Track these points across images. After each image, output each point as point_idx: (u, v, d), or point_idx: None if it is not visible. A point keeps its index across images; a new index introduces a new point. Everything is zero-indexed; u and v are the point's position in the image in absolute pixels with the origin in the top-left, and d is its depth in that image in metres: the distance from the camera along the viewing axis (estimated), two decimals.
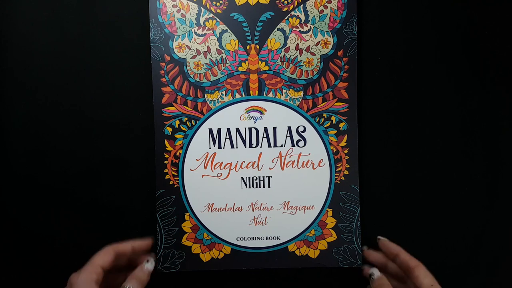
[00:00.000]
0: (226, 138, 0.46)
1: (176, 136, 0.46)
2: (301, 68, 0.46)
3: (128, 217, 0.48)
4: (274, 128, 0.46)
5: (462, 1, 0.47)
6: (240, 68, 0.46)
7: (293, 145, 0.46)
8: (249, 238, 0.47)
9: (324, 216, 0.47)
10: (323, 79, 0.46)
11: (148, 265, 0.43)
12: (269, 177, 0.47)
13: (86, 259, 0.47)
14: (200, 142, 0.46)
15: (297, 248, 0.47)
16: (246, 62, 0.46)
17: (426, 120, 0.48)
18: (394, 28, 0.47)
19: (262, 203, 0.47)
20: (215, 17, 0.45)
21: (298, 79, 0.46)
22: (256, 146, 0.46)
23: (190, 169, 0.46)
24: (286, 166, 0.47)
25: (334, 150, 0.46)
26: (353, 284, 0.47)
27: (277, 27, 0.45)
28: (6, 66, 0.47)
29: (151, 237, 0.45)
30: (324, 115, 0.46)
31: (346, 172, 0.46)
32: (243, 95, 0.46)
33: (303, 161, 0.46)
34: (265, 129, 0.46)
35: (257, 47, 0.46)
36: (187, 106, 0.46)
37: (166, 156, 0.46)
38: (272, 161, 0.47)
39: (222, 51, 0.46)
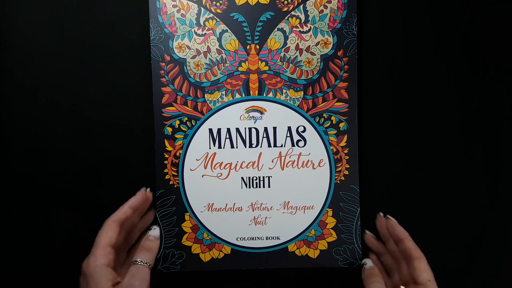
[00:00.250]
0: (226, 138, 0.46)
1: (176, 136, 0.46)
2: (301, 68, 0.46)
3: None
4: (274, 128, 0.46)
5: (462, 1, 0.47)
6: (240, 68, 0.46)
7: (293, 145, 0.46)
8: (249, 238, 0.47)
9: (324, 216, 0.47)
10: (323, 79, 0.46)
11: (153, 232, 0.43)
12: (269, 177, 0.47)
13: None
14: (200, 142, 0.46)
15: (297, 248, 0.47)
16: (246, 62, 0.46)
17: (426, 120, 0.48)
18: (394, 28, 0.47)
19: (262, 203, 0.47)
20: (215, 17, 0.45)
21: (298, 79, 0.46)
22: (256, 146, 0.46)
23: (190, 169, 0.46)
24: (286, 166, 0.47)
25: (334, 150, 0.46)
26: (353, 284, 0.47)
27: (277, 27, 0.45)
28: (6, 66, 0.47)
29: (144, 188, 0.45)
30: (324, 115, 0.46)
31: (346, 172, 0.46)
32: (243, 95, 0.46)
33: (303, 161, 0.46)
34: (265, 129, 0.46)
35: (257, 47, 0.46)
36: (187, 106, 0.46)
37: (166, 156, 0.46)
38: (272, 161, 0.47)
39: (222, 51, 0.46)
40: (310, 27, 0.46)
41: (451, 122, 0.48)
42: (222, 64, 0.46)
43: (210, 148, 0.46)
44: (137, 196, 0.43)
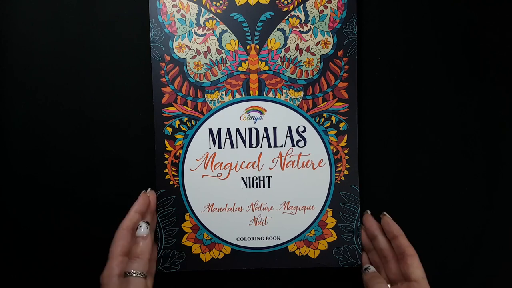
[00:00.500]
0: (226, 138, 0.46)
1: (176, 136, 0.46)
2: (301, 68, 0.46)
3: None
4: (274, 128, 0.46)
5: (462, 1, 0.47)
6: (240, 68, 0.46)
7: (293, 145, 0.46)
8: (249, 238, 0.47)
9: (324, 216, 0.47)
10: (323, 79, 0.46)
11: (139, 232, 0.42)
12: (269, 177, 0.47)
13: (86, 259, 0.47)
14: (200, 142, 0.46)
15: (297, 248, 0.47)
16: (246, 62, 0.46)
17: (426, 120, 0.48)
18: (394, 28, 0.47)
19: (262, 203, 0.47)
20: (215, 17, 0.45)
21: (298, 79, 0.46)
22: (256, 146, 0.46)
23: (190, 169, 0.46)
24: (286, 166, 0.47)
25: (334, 150, 0.46)
26: (353, 284, 0.47)
27: (277, 27, 0.45)
28: (6, 66, 0.47)
29: (144, 191, 0.45)
30: (324, 115, 0.46)
31: (346, 172, 0.46)
32: (243, 95, 0.46)
33: (303, 161, 0.46)
34: (265, 129, 0.46)
35: (257, 47, 0.46)
36: (187, 106, 0.46)
37: (166, 156, 0.46)
38: (272, 161, 0.47)
39: (222, 51, 0.46)
40: (310, 27, 0.46)
41: (451, 122, 0.48)
42: (222, 64, 0.46)
43: (210, 148, 0.46)
44: (140, 200, 0.43)
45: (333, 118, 0.46)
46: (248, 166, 0.46)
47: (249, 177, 0.46)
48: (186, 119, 0.46)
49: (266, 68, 0.46)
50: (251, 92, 0.46)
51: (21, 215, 0.48)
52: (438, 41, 0.47)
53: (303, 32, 0.46)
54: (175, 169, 0.46)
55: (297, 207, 0.47)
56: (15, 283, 0.48)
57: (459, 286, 0.49)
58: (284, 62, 0.46)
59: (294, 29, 0.45)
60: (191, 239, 0.46)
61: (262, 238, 0.47)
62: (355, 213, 0.46)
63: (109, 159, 0.48)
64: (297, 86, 0.46)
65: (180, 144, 0.46)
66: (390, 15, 0.47)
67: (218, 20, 0.45)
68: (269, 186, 0.47)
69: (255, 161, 0.46)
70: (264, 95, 0.46)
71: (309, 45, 0.46)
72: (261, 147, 0.46)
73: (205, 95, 0.46)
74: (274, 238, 0.47)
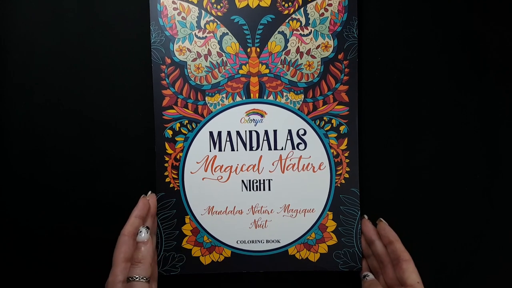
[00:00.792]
0: (226, 141, 0.46)
1: (177, 139, 0.46)
2: (302, 71, 0.46)
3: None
4: (275, 131, 0.46)
5: (463, 1, 0.47)
6: (240, 71, 0.46)
7: (293, 148, 0.46)
8: (249, 241, 0.46)
9: (325, 219, 0.46)
10: (323, 82, 0.46)
11: (140, 237, 0.42)
12: (269, 180, 0.47)
13: (85, 259, 0.48)
14: (200, 145, 0.46)
15: (297, 252, 0.46)
16: (247, 65, 0.46)
17: (426, 124, 0.48)
18: (394, 31, 0.47)
19: (262, 206, 0.46)
20: (215, 20, 0.45)
21: (299, 82, 0.46)
22: (257, 149, 0.46)
23: (191, 172, 0.46)
24: (287, 169, 0.46)
25: (335, 153, 0.46)
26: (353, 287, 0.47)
27: (278, 30, 0.45)
28: (6, 66, 0.47)
29: (143, 195, 0.45)
30: (324, 118, 0.46)
31: (347, 175, 0.46)
32: (244, 98, 0.46)
33: (304, 164, 0.46)
34: (266, 132, 0.46)
35: (258, 50, 0.46)
36: (188, 109, 0.46)
37: (167, 159, 0.46)
38: (273, 164, 0.46)
39: (223, 54, 0.46)
40: (311, 30, 0.46)
41: (451, 122, 0.47)
42: (222, 67, 0.46)
43: (210, 151, 0.46)
44: (139, 205, 0.43)
45: (333, 121, 0.46)
46: (249, 169, 0.46)
47: (249, 180, 0.46)
48: (187, 121, 0.46)
49: (267, 71, 0.46)
50: (252, 95, 0.46)
51: (21, 215, 0.48)
52: (438, 42, 0.47)
53: (304, 35, 0.46)
54: (176, 172, 0.46)
55: (297, 210, 0.47)
56: (15, 283, 0.48)
57: (459, 286, 0.49)
58: (285, 65, 0.46)
59: (294, 32, 0.45)
60: (191, 242, 0.46)
61: (262, 241, 0.46)
62: (355, 216, 0.46)
63: (109, 159, 0.48)
64: (298, 89, 0.46)
65: (180, 147, 0.46)
66: (390, 16, 0.47)
67: (218, 23, 0.45)
68: (269, 189, 0.46)
69: (255, 164, 0.46)
70: (265, 98, 0.46)
71: (310, 48, 0.46)
72: (261, 150, 0.46)
73: (206, 98, 0.46)
74: (274, 241, 0.47)
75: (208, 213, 0.46)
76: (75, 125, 0.47)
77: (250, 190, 0.46)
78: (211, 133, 0.46)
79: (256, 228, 0.47)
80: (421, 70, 0.47)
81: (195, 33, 0.46)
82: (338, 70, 0.46)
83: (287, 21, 0.45)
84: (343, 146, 0.46)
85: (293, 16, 0.45)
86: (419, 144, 0.48)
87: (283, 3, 0.45)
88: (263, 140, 0.46)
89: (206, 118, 0.46)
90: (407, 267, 0.42)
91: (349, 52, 0.46)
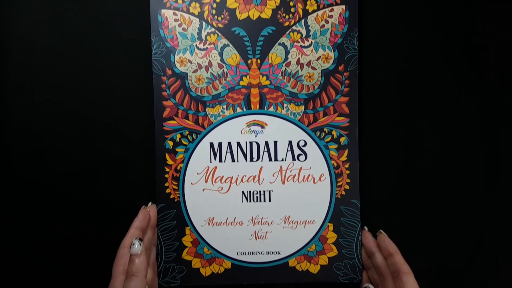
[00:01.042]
0: (227, 152, 0.46)
1: (177, 150, 0.46)
2: (302, 83, 0.46)
3: (128, 218, 0.47)
4: (275, 142, 0.46)
5: (463, 1, 0.47)
6: (241, 82, 0.46)
7: (294, 159, 0.46)
8: (249, 253, 0.46)
9: (325, 231, 0.46)
10: (324, 93, 0.46)
11: (132, 250, 0.41)
12: (269, 191, 0.46)
13: (85, 259, 0.48)
14: (201, 156, 0.46)
15: (297, 263, 0.46)
16: (247, 76, 0.46)
17: (426, 124, 0.47)
18: (394, 31, 0.47)
19: (262, 218, 0.46)
20: (216, 31, 0.45)
21: (299, 93, 0.46)
22: (257, 160, 0.46)
23: (191, 183, 0.46)
24: (287, 180, 0.46)
25: (335, 164, 0.46)
26: None
27: (278, 41, 0.46)
28: (6, 66, 0.47)
29: (144, 206, 0.45)
30: (325, 129, 0.46)
31: (347, 187, 0.46)
32: (244, 109, 0.46)
33: (304, 176, 0.46)
34: (266, 143, 0.46)
35: (258, 61, 0.46)
36: (188, 120, 0.46)
37: (167, 170, 0.46)
38: (273, 175, 0.46)
39: (224, 65, 0.46)
40: (311, 41, 0.46)
41: (451, 123, 0.47)
42: (223, 78, 0.46)
43: (211, 162, 0.46)
44: (139, 216, 0.43)
45: (334, 132, 0.46)
46: (249, 180, 0.46)
47: (250, 191, 0.46)
48: (187, 132, 0.46)
49: (267, 82, 0.46)
50: (252, 106, 0.46)
51: (21, 215, 0.48)
52: (438, 41, 0.47)
53: (304, 47, 0.46)
54: (176, 183, 0.46)
55: (297, 221, 0.46)
56: (15, 283, 0.48)
57: (459, 286, 0.48)
58: (285, 77, 0.46)
59: (295, 43, 0.46)
60: (191, 253, 0.46)
61: (262, 253, 0.46)
62: (355, 228, 0.46)
63: (109, 159, 0.48)
64: (298, 101, 0.46)
65: (181, 158, 0.46)
66: (390, 16, 0.47)
67: (219, 34, 0.46)
68: (269, 200, 0.46)
69: (255, 175, 0.46)
70: (265, 109, 0.46)
71: (310, 60, 0.46)
72: (261, 161, 0.46)
73: (206, 109, 0.46)
74: (275, 252, 0.46)
75: (208, 224, 0.46)
76: (75, 125, 0.47)
77: (250, 201, 0.46)
78: (211, 144, 0.46)
79: (256, 239, 0.46)
80: (421, 70, 0.47)
81: (196, 45, 0.46)
82: (338, 81, 0.46)
83: (287, 32, 0.46)
84: (344, 158, 0.46)
85: (294, 27, 0.45)
86: (419, 144, 0.48)
87: (284, 14, 0.45)
88: (264, 151, 0.46)
89: (207, 129, 0.46)
90: (407, 279, 0.41)
91: (349, 63, 0.46)
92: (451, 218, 0.48)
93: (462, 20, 0.47)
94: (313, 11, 0.45)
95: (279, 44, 0.46)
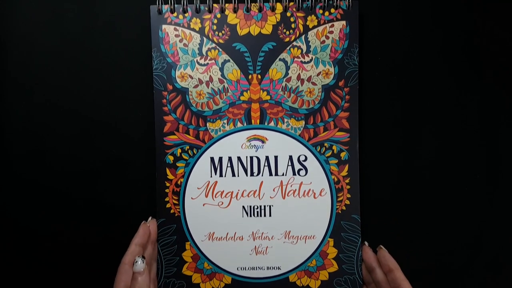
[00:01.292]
0: (227, 166, 0.46)
1: (178, 164, 0.46)
2: (303, 98, 0.46)
3: (128, 218, 0.48)
4: (276, 157, 0.46)
5: (463, 1, 0.47)
6: (241, 98, 0.46)
7: (294, 174, 0.46)
8: (249, 268, 0.46)
9: (326, 246, 0.46)
10: (324, 108, 0.46)
11: (135, 268, 0.41)
12: (270, 206, 0.46)
13: (85, 259, 0.48)
14: (201, 170, 0.46)
15: (298, 279, 0.46)
16: (248, 91, 0.46)
17: (426, 124, 0.47)
18: (394, 30, 0.47)
19: (263, 233, 0.46)
20: (217, 47, 0.46)
21: (300, 108, 0.46)
22: (258, 174, 0.46)
23: (191, 198, 0.46)
24: (287, 195, 0.46)
25: (336, 179, 0.46)
26: None
27: (279, 57, 0.46)
28: (6, 67, 0.47)
29: (144, 222, 0.45)
30: (325, 144, 0.46)
31: (348, 202, 0.46)
32: (245, 124, 0.46)
33: (304, 190, 0.46)
34: (267, 158, 0.46)
35: (259, 77, 0.46)
36: (189, 135, 0.46)
37: (167, 184, 0.46)
38: (273, 190, 0.46)
39: (224, 80, 0.46)
40: (312, 57, 0.46)
41: (451, 123, 0.48)
42: (224, 93, 0.46)
43: (211, 176, 0.46)
44: (140, 232, 0.43)
45: (334, 147, 0.46)
46: (249, 195, 0.46)
47: (250, 206, 0.46)
48: (188, 147, 0.46)
49: (268, 97, 0.46)
50: (253, 121, 0.46)
51: (21, 215, 0.48)
52: (438, 41, 0.47)
53: (305, 63, 0.46)
54: (176, 198, 0.46)
55: (298, 236, 0.46)
56: (15, 283, 0.48)
57: (459, 286, 0.48)
58: (286, 92, 0.46)
59: (295, 59, 0.46)
60: (191, 269, 0.46)
61: (262, 268, 0.46)
62: (356, 243, 0.46)
63: (109, 159, 0.48)
64: (299, 116, 0.46)
65: (181, 173, 0.46)
66: (390, 16, 0.47)
67: (220, 50, 0.46)
68: (270, 215, 0.46)
69: (256, 190, 0.46)
70: (266, 124, 0.46)
71: (311, 75, 0.46)
72: (262, 175, 0.46)
73: (207, 124, 0.46)
74: (275, 268, 0.46)
75: (209, 239, 0.46)
76: (75, 125, 0.48)
77: (250, 216, 0.46)
78: (212, 159, 0.46)
79: (256, 254, 0.46)
80: (421, 70, 0.47)
81: (196, 60, 0.46)
82: (338, 97, 0.46)
83: (288, 48, 0.46)
84: (344, 173, 0.46)
85: (294, 43, 0.46)
86: (419, 144, 0.48)
87: (284, 30, 0.46)
88: (264, 166, 0.46)
89: (207, 143, 0.46)
90: None
91: (349, 79, 0.46)
92: (451, 218, 0.48)
93: (462, 20, 0.47)
94: (314, 27, 0.46)
95: (280, 59, 0.46)
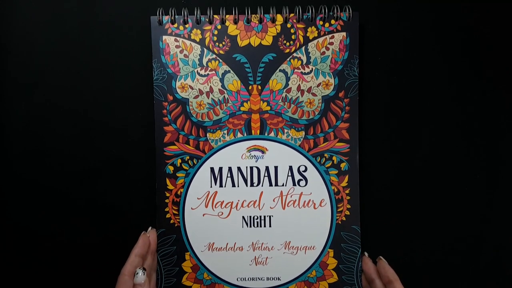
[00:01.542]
0: (227, 177, 0.46)
1: (178, 174, 0.46)
2: (303, 109, 0.46)
3: (128, 218, 0.48)
4: (276, 167, 0.46)
5: (463, 2, 0.47)
6: (242, 108, 0.46)
7: (294, 184, 0.46)
8: (249, 279, 0.46)
9: (325, 256, 0.46)
10: (324, 119, 0.46)
11: (136, 280, 0.41)
12: (270, 216, 0.46)
13: (85, 259, 0.48)
14: (201, 180, 0.46)
15: None
16: (248, 102, 0.46)
17: (426, 124, 0.48)
18: (394, 30, 0.47)
19: (263, 243, 0.46)
20: (217, 58, 0.46)
21: (300, 119, 0.46)
22: (258, 185, 0.46)
23: (191, 208, 0.46)
24: (287, 206, 0.46)
25: (336, 190, 0.46)
26: None
27: (279, 68, 0.46)
28: (6, 67, 0.47)
29: (144, 232, 0.45)
30: (325, 155, 0.46)
31: (348, 213, 0.46)
32: (245, 134, 0.46)
33: (304, 201, 0.46)
34: (267, 168, 0.46)
35: (259, 87, 0.46)
36: (189, 145, 0.46)
37: (167, 194, 0.46)
38: (273, 200, 0.46)
39: (225, 91, 0.46)
40: (312, 68, 0.46)
41: (451, 123, 0.48)
42: (224, 104, 0.46)
43: (211, 186, 0.46)
44: (139, 243, 0.43)
45: (334, 158, 0.46)
46: (249, 205, 0.46)
47: (250, 216, 0.46)
48: (188, 157, 0.46)
49: (268, 108, 0.46)
50: (253, 131, 0.46)
51: (21, 215, 0.48)
52: (438, 41, 0.47)
53: (305, 74, 0.46)
54: (176, 208, 0.46)
55: (298, 247, 0.46)
56: (15, 283, 0.48)
57: (459, 286, 0.48)
58: (286, 103, 0.46)
59: (295, 70, 0.46)
60: (191, 279, 0.46)
61: (262, 279, 0.46)
62: (356, 254, 0.46)
63: (109, 159, 0.48)
64: (299, 126, 0.46)
65: (181, 183, 0.46)
66: (390, 17, 0.47)
67: (220, 61, 0.46)
68: (270, 226, 0.46)
69: (256, 200, 0.46)
70: (266, 134, 0.46)
71: (311, 86, 0.46)
72: (262, 186, 0.46)
73: (207, 134, 0.46)
74: (275, 278, 0.46)
75: (209, 250, 0.46)
76: (75, 125, 0.48)
77: (250, 226, 0.46)
78: (212, 169, 0.46)
79: (256, 265, 0.46)
80: (422, 81, 0.47)
81: (197, 71, 0.46)
82: (338, 108, 0.46)
83: (288, 59, 0.46)
84: (344, 183, 0.46)
85: (294, 54, 0.46)
86: (419, 144, 0.48)
87: (285, 41, 0.46)
88: (264, 176, 0.46)
89: (208, 154, 0.46)
90: None
91: (349, 90, 0.46)
92: (451, 218, 0.48)
93: (462, 20, 0.47)
94: (314, 38, 0.46)
95: (280, 70, 0.46)
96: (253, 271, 0.46)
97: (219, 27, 0.46)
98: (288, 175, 0.46)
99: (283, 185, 0.46)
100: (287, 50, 0.46)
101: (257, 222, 0.46)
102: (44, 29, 0.47)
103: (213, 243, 0.46)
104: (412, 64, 0.47)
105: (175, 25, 0.46)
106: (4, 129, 0.48)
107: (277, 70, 0.46)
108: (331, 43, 0.46)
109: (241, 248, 0.46)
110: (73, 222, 0.48)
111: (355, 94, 0.46)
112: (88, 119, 0.48)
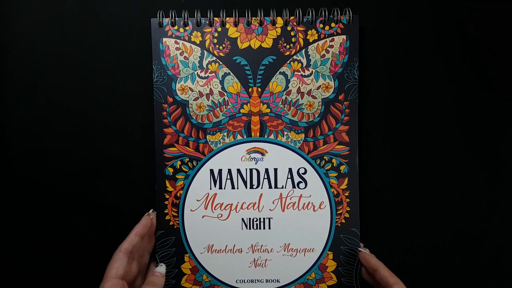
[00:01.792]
0: (227, 179, 0.46)
1: (177, 176, 0.46)
2: (302, 111, 0.46)
3: (128, 218, 0.47)
4: (275, 170, 0.47)
5: (463, 2, 0.47)
6: (242, 110, 0.46)
7: (293, 186, 0.47)
8: (248, 281, 0.46)
9: (325, 259, 0.46)
10: (324, 122, 0.46)
11: (159, 269, 0.44)
12: (269, 218, 0.47)
13: (85, 259, 0.48)
14: (201, 182, 0.46)
15: None
16: (248, 104, 0.46)
17: (426, 124, 0.48)
18: (394, 31, 0.47)
19: (262, 245, 0.46)
20: (217, 60, 0.46)
21: (299, 121, 0.46)
22: (257, 187, 0.47)
23: (191, 210, 0.46)
24: (287, 208, 0.47)
25: (335, 192, 0.46)
26: None
27: (279, 70, 0.46)
28: (6, 66, 0.47)
29: (147, 213, 0.45)
30: (325, 157, 0.46)
31: (347, 215, 0.46)
32: (245, 137, 0.46)
33: (304, 203, 0.46)
34: (266, 170, 0.46)
35: (259, 90, 0.46)
36: (189, 147, 0.46)
37: (167, 196, 0.46)
38: (273, 203, 0.47)
39: (224, 93, 0.46)
40: (312, 71, 0.46)
41: (450, 122, 0.48)
42: (224, 106, 0.46)
43: (211, 188, 0.46)
44: (142, 222, 0.44)
45: (334, 160, 0.46)
46: (249, 207, 0.47)
47: (250, 218, 0.46)
48: (188, 159, 0.46)
49: (268, 110, 0.46)
50: (253, 133, 0.46)
51: (21, 215, 0.48)
52: (438, 42, 0.47)
53: (305, 76, 0.46)
54: (176, 210, 0.46)
55: (297, 249, 0.46)
56: (15, 283, 0.48)
57: (459, 286, 0.49)
58: (286, 105, 0.46)
59: (295, 73, 0.46)
60: (190, 281, 0.46)
61: (262, 281, 0.46)
62: (355, 256, 0.46)
63: (109, 160, 0.48)
64: (298, 129, 0.46)
65: (181, 185, 0.46)
66: (390, 17, 0.47)
67: (220, 63, 0.46)
68: (269, 228, 0.46)
69: (255, 202, 0.47)
70: (266, 136, 0.46)
71: (311, 89, 0.46)
72: (261, 188, 0.47)
73: (207, 136, 0.46)
74: (274, 280, 0.46)
75: (208, 252, 0.46)
76: (75, 125, 0.48)
77: (250, 228, 0.46)
78: (211, 171, 0.46)
79: (256, 267, 0.46)
80: (422, 84, 0.48)
81: (197, 73, 0.46)
82: (338, 110, 0.46)
83: (288, 62, 0.46)
84: (344, 186, 0.46)
85: (295, 57, 0.46)
86: (419, 144, 0.48)
87: (285, 44, 0.46)
88: (264, 178, 0.47)
89: (207, 156, 0.46)
90: None
91: (349, 93, 0.46)
92: (451, 218, 0.48)
93: (462, 20, 0.47)
94: (314, 41, 0.46)
95: (280, 73, 0.46)
96: (252, 273, 0.46)
97: (219, 29, 0.46)
98: (287, 177, 0.47)
99: (282, 187, 0.47)
100: (287, 53, 0.46)
101: (257, 224, 0.46)
102: (44, 29, 0.47)
103: (213, 245, 0.46)
104: (412, 65, 0.48)
105: (176, 27, 0.46)
106: (4, 129, 0.48)
107: (277, 73, 0.46)
108: (331, 46, 0.46)
109: (240, 250, 0.46)
110: (73, 222, 0.48)
111: (355, 96, 0.46)
112: (88, 119, 0.48)
